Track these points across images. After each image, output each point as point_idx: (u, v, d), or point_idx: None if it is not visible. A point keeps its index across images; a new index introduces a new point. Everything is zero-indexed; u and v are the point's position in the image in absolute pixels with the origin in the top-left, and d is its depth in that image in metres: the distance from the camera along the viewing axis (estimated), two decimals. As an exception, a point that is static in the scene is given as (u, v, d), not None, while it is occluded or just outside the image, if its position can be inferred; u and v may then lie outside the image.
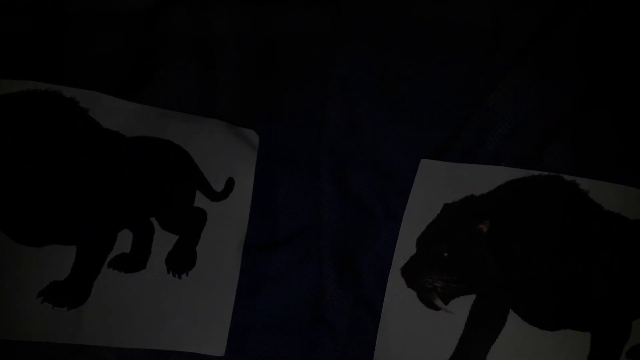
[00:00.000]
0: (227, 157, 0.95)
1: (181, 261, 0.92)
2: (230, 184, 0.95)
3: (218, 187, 0.95)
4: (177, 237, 0.93)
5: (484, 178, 0.93)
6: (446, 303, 0.92)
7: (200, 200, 0.94)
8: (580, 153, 0.93)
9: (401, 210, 0.95)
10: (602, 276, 0.89)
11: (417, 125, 0.97)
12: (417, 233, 0.93)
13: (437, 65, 0.98)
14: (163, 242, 0.92)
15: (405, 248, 0.93)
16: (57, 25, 0.98)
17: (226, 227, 0.94)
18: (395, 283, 0.93)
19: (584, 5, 0.96)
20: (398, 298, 0.93)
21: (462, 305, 0.91)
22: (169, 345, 0.91)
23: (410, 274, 0.93)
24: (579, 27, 0.96)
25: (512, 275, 0.90)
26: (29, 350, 0.90)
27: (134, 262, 0.91)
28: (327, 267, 0.95)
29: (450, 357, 0.91)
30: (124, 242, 0.91)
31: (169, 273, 0.92)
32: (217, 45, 0.99)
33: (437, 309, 0.92)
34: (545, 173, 0.92)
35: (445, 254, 0.92)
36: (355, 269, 0.96)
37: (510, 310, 0.90)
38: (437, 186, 0.94)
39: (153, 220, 0.93)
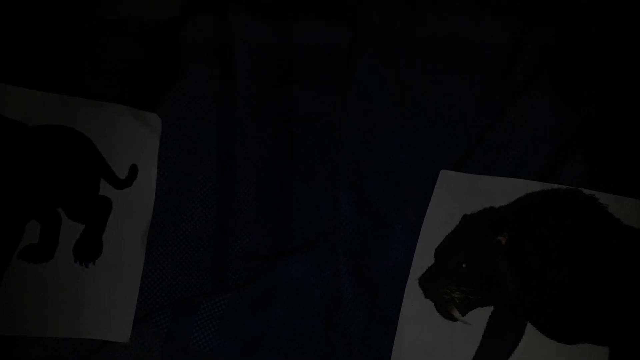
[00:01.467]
0: (130, 143, 0.95)
1: (88, 250, 0.93)
2: (133, 171, 0.95)
3: (122, 174, 0.95)
4: (83, 226, 0.93)
5: (503, 190, 0.93)
6: (464, 314, 0.91)
7: (105, 189, 0.94)
8: (596, 168, 0.93)
9: (418, 221, 0.95)
10: (619, 290, 0.89)
11: (434, 138, 0.98)
12: (435, 243, 0.93)
13: (455, 79, 0.99)
14: (70, 231, 0.93)
15: (423, 258, 0.93)
16: (78, 31, 0.99)
17: (131, 215, 0.95)
18: (413, 293, 0.93)
19: (598, 25, 0.97)
20: (415, 308, 0.92)
21: (480, 317, 0.91)
22: (78, 333, 0.91)
23: (428, 284, 0.92)
24: (594, 46, 0.97)
25: (529, 288, 0.90)
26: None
27: (42, 252, 0.91)
28: (342, 276, 0.95)
29: (466, 369, 0.90)
30: (32, 232, 0.91)
31: (76, 262, 0.92)
32: (238, 55, 1.01)
33: (455, 320, 0.91)
34: (565, 187, 0.92)
35: (464, 265, 0.92)
36: (371, 279, 0.95)
37: (528, 322, 0.90)
38: (456, 197, 0.94)
39: (60, 210, 0.93)
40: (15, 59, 0.97)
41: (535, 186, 0.93)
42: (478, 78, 0.99)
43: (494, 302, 0.91)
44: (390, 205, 0.97)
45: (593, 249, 0.90)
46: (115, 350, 0.91)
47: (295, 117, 1.01)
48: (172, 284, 0.96)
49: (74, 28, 0.99)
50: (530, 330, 0.90)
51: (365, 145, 0.99)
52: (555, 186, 0.92)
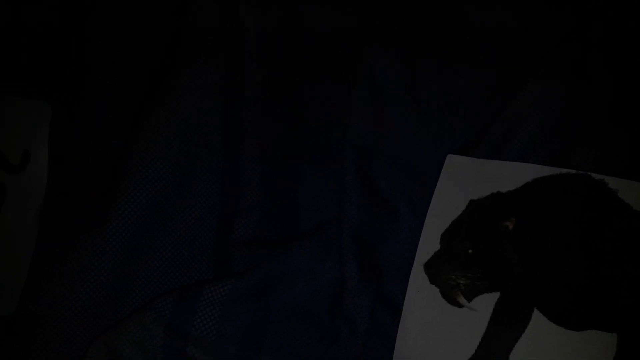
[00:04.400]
0: (21, 130, 0.99)
1: None
2: (26, 156, 0.99)
3: (14, 160, 0.99)
4: None
5: (510, 175, 0.92)
6: (469, 300, 0.90)
7: None
8: (609, 153, 0.92)
9: (424, 207, 0.94)
10: (628, 277, 0.87)
11: (443, 123, 0.97)
12: (441, 229, 0.92)
13: (465, 65, 0.98)
14: None
15: (429, 244, 0.92)
16: (84, 16, 0.99)
17: (24, 198, 0.98)
18: (418, 279, 0.92)
19: (612, 9, 0.96)
20: (420, 294, 0.91)
21: (486, 303, 0.89)
22: None
23: (434, 270, 0.91)
24: (607, 30, 0.95)
25: (536, 274, 0.89)
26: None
27: None
28: (348, 262, 0.94)
29: (472, 356, 0.89)
30: None
31: None
32: (245, 40, 1.00)
33: (460, 306, 0.90)
34: (574, 171, 0.91)
35: (470, 251, 0.90)
36: (376, 265, 0.94)
37: (535, 309, 0.89)
38: (462, 182, 0.93)
39: None
40: (20, 50, 0.97)
41: (544, 171, 0.91)
42: (489, 64, 0.97)
43: (501, 288, 0.89)
44: (396, 190, 0.96)
45: (602, 235, 0.88)
46: (116, 337, 0.91)
47: (302, 103, 1.00)
48: (174, 270, 0.96)
49: (79, 16, 0.99)
50: (537, 316, 0.88)
51: (372, 130, 0.98)
52: (564, 171, 0.91)
